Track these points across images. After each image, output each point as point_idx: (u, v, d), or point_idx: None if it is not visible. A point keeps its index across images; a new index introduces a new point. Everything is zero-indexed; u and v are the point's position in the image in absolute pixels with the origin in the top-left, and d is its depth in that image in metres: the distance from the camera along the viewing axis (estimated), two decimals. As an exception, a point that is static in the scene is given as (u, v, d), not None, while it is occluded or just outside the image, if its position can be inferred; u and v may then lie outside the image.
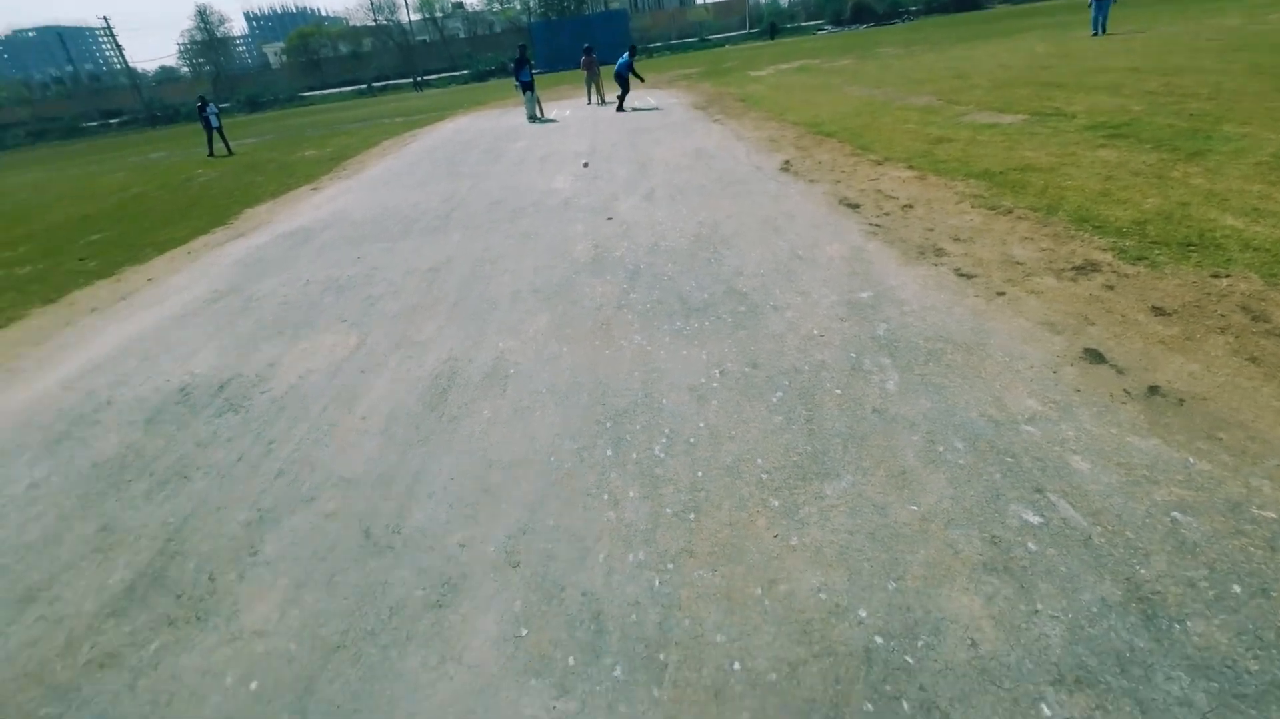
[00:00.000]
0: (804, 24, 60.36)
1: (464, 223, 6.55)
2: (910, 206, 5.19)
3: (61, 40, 68.71)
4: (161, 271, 6.41)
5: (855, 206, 5.37)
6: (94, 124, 60.62)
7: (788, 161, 7.29)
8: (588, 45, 17.26)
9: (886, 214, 5.09)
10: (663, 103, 15.52)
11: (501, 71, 55.08)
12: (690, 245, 4.95)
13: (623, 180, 7.62)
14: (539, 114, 15.32)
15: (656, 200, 6.42)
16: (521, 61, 14.99)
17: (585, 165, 8.62)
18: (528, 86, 15.01)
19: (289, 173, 12.45)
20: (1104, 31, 15.49)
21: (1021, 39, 18.64)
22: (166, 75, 74.33)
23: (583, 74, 17.62)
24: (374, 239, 6.41)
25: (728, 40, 55.90)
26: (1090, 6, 15.85)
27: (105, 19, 59.17)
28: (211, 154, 17.43)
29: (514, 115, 17.40)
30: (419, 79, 52.47)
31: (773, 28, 51.56)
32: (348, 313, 4.54)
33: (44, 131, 58.40)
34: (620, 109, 14.60)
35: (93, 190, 14.54)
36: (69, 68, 70.75)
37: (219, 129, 17.45)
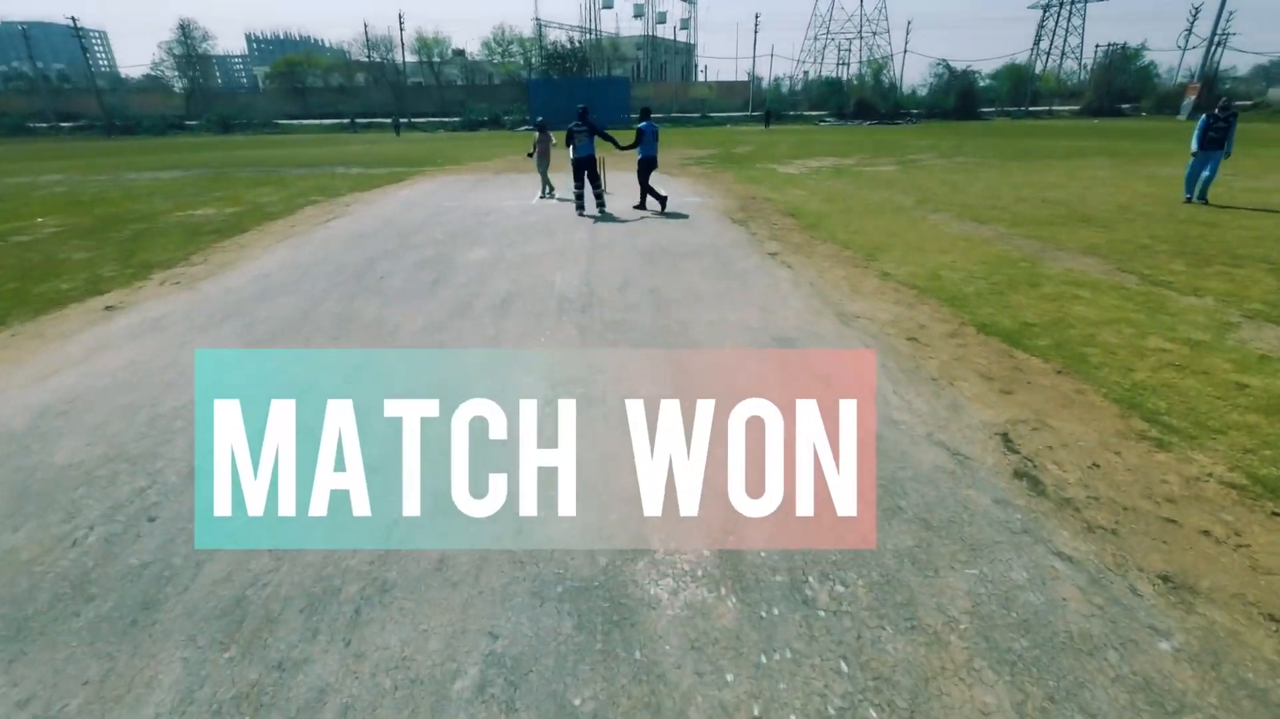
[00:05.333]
0: (806, 113, 59.99)
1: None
2: None
3: (25, 36, 64.08)
4: None
5: None
6: (44, 125, 55.84)
7: (1008, 439, 3.45)
8: (541, 119, 12.30)
9: None
10: (680, 200, 11.96)
11: (493, 123, 52.55)
12: None
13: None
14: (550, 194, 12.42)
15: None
16: (582, 126, 9.94)
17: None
18: (581, 167, 10.14)
19: (135, 249, 8.38)
20: (1202, 198, 10.19)
21: (1086, 166, 16.02)
22: (151, 84, 69.71)
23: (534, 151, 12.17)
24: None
25: (729, 120, 54.78)
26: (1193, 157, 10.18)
27: (73, 19, 55.30)
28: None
29: (487, 190, 13.79)
30: (400, 121, 49.37)
31: (768, 114, 49.86)
32: None
33: (-17, 126, 53.45)
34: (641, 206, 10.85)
35: None
36: (39, 64, 66.09)
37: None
